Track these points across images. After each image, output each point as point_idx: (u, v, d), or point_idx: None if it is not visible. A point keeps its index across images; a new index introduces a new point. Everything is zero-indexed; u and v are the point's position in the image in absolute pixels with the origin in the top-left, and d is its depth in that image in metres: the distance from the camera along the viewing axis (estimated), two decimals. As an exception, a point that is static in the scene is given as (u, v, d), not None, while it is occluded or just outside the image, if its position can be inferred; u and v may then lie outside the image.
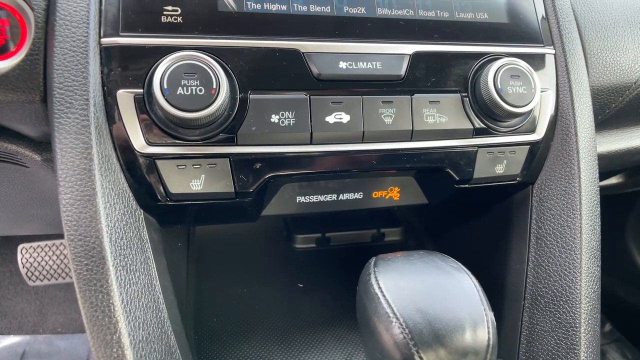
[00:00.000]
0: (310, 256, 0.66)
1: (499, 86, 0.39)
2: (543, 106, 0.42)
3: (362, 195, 0.46)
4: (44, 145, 0.42)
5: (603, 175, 0.65)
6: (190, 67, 0.32)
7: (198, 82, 0.32)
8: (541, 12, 0.44)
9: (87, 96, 0.32)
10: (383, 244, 0.64)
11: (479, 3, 0.42)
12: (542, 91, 0.42)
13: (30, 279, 0.86)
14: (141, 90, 0.33)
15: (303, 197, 0.44)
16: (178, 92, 0.32)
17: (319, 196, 0.45)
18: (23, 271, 0.85)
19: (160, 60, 0.33)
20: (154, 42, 0.34)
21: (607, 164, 0.58)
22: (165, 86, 0.32)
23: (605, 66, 0.47)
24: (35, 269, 0.85)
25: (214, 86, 0.32)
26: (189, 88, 0.32)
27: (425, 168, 0.42)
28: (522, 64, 0.40)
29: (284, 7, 0.37)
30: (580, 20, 0.46)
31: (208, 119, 0.33)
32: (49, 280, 0.86)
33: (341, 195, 0.46)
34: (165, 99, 0.32)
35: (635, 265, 0.90)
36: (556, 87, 0.43)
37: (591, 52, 0.46)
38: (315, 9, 0.38)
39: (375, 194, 0.47)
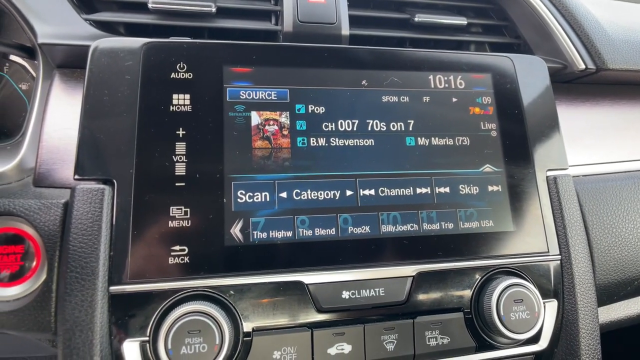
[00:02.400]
0: None
1: (502, 313, 0.39)
2: (547, 316, 0.42)
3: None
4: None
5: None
6: (194, 324, 0.33)
7: (202, 339, 0.33)
8: (548, 217, 0.44)
9: (94, 350, 0.33)
10: None
11: (484, 211, 0.42)
12: (546, 302, 0.42)
13: None
14: (147, 338, 0.34)
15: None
16: (182, 352, 0.33)
17: None
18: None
19: (167, 306, 0.34)
20: (161, 287, 0.35)
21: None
22: (170, 346, 0.33)
23: (614, 262, 0.46)
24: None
25: (217, 342, 0.33)
26: (192, 346, 0.33)
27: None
28: (526, 286, 0.40)
29: (289, 234, 0.38)
30: (588, 217, 0.46)
31: None
32: None
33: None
34: (170, 359, 0.33)
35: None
36: (562, 296, 0.43)
37: (598, 250, 0.46)
38: (320, 232, 0.39)
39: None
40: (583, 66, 0.51)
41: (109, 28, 0.45)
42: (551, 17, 0.53)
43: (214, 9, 0.46)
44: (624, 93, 0.57)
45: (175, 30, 0.47)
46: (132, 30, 0.47)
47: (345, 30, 0.48)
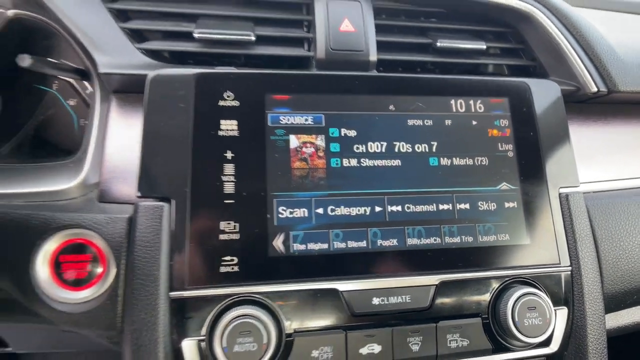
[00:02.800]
0: None
1: (516, 319, 0.43)
2: (558, 322, 0.46)
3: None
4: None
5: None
6: (245, 326, 0.38)
7: (252, 339, 0.38)
8: (560, 231, 0.48)
9: (158, 347, 0.38)
10: None
11: (501, 226, 0.46)
12: (557, 309, 0.46)
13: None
14: (203, 337, 0.39)
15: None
16: (234, 350, 0.37)
17: None
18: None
19: (220, 309, 0.39)
20: (214, 293, 0.40)
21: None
22: (224, 344, 0.37)
23: (621, 273, 0.50)
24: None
25: (264, 342, 0.38)
26: (244, 345, 0.38)
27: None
28: (538, 295, 0.44)
29: (325, 246, 0.43)
30: (598, 232, 0.50)
31: None
32: None
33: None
34: (225, 355, 0.37)
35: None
36: (572, 304, 0.47)
37: (606, 262, 0.50)
38: (352, 244, 0.43)
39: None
40: (595, 89, 0.55)
41: (157, 55, 0.50)
42: (565, 41, 0.56)
43: (253, 38, 0.50)
44: (635, 112, 0.60)
45: (217, 56, 0.51)
46: (177, 56, 0.51)
47: (373, 57, 0.52)
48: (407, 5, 0.57)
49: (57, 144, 0.61)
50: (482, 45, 0.56)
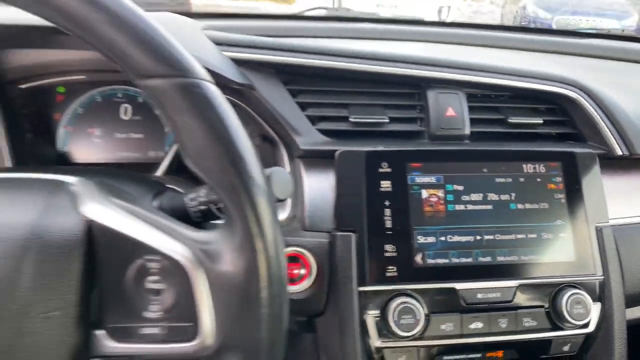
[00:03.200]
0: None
1: (568, 309, 0.67)
2: (594, 313, 0.70)
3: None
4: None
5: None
6: (405, 309, 0.63)
7: (410, 316, 0.63)
8: (596, 253, 0.72)
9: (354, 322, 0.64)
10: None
11: (557, 249, 0.71)
12: (594, 304, 0.70)
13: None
14: (379, 315, 0.64)
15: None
16: (400, 322, 0.63)
17: None
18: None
19: (388, 298, 0.64)
20: (384, 288, 0.65)
21: None
22: (395, 319, 0.63)
23: (638, 281, 0.74)
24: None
25: (417, 318, 0.63)
26: (406, 320, 0.63)
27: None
28: (582, 294, 0.68)
29: (446, 261, 0.68)
30: (622, 252, 0.74)
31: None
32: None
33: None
34: (395, 324, 0.63)
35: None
36: (604, 301, 0.71)
37: (628, 273, 0.73)
38: (463, 260, 0.68)
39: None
40: (620, 153, 0.79)
41: (325, 132, 0.75)
42: (597, 117, 0.80)
43: (387, 119, 0.76)
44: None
45: (364, 132, 0.77)
46: (337, 133, 0.76)
47: (467, 131, 0.77)
48: (485, 91, 0.82)
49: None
50: (540, 120, 0.81)
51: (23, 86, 0.83)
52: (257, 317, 0.40)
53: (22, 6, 0.38)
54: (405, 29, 1.22)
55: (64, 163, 0.86)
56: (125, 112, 0.87)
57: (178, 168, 0.81)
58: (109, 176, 0.53)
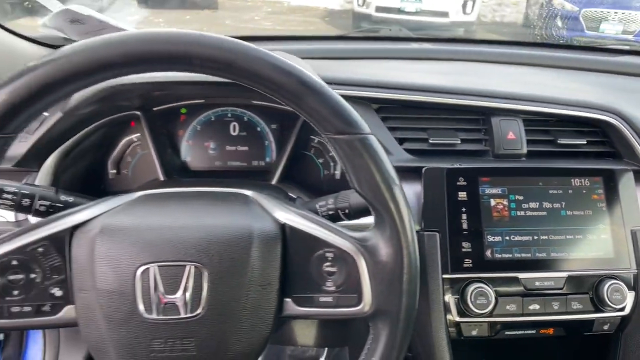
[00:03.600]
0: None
1: (608, 296, 0.84)
2: (629, 299, 0.87)
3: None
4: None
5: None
6: (480, 292, 0.81)
7: (484, 298, 0.81)
8: (631, 251, 0.89)
9: (441, 302, 0.82)
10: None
11: (599, 247, 0.88)
12: (629, 292, 0.87)
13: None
14: (457, 296, 0.83)
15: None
16: (477, 302, 0.81)
17: None
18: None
19: (464, 284, 0.83)
20: (462, 276, 0.83)
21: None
22: (472, 300, 0.81)
23: (665, 274, 0.91)
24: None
25: (490, 299, 0.81)
26: (481, 301, 0.81)
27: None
28: (620, 284, 0.85)
29: (510, 255, 0.85)
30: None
31: None
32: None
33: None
34: (472, 304, 0.81)
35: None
36: (637, 290, 0.88)
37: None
38: (524, 255, 0.86)
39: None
40: (651, 169, 0.95)
41: (409, 151, 0.94)
42: (632, 139, 0.96)
43: (459, 141, 0.94)
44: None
45: (440, 152, 0.95)
46: (418, 151, 0.95)
47: (525, 150, 0.94)
48: (539, 117, 1.00)
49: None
50: (584, 141, 0.98)
51: (156, 109, 1.04)
52: (400, 291, 0.59)
53: (249, 84, 0.56)
54: (456, 49, 1.39)
55: (187, 171, 1.07)
56: (234, 129, 1.07)
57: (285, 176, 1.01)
58: (263, 189, 0.72)
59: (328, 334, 1.65)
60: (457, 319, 0.83)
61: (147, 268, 0.54)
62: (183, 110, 1.07)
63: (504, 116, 0.95)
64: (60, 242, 0.56)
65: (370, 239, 0.60)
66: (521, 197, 0.88)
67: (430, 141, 0.93)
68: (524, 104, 0.95)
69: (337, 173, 1.06)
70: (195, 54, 0.50)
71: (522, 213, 0.88)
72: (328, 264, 0.60)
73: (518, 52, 1.39)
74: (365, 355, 0.60)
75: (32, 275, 0.55)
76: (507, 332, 0.87)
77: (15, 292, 0.54)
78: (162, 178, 0.97)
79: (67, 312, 0.56)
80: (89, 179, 1.02)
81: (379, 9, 7.07)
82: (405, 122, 0.95)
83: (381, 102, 0.93)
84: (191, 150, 1.07)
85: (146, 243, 0.55)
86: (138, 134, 1.05)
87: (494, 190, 0.88)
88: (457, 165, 0.89)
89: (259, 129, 1.06)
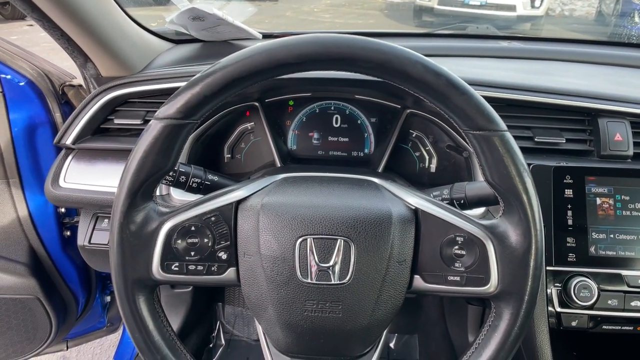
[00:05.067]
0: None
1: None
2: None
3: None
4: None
5: None
6: (583, 285, 0.85)
7: (587, 291, 0.85)
8: None
9: (547, 289, 0.87)
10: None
11: None
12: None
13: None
14: (560, 287, 0.87)
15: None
16: (580, 295, 0.85)
17: None
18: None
19: (567, 277, 0.87)
20: (566, 269, 0.87)
21: None
22: (575, 292, 0.85)
23: None
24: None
25: (593, 292, 0.85)
26: (584, 292, 0.85)
27: None
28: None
29: (614, 253, 0.88)
30: None
31: None
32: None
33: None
34: (575, 296, 0.85)
35: None
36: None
37: None
38: (621, 253, 0.89)
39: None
40: None
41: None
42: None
43: (564, 140, 0.97)
44: None
45: (545, 150, 0.98)
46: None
47: (631, 152, 0.96)
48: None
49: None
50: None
51: (267, 100, 1.14)
52: (526, 274, 0.65)
53: (399, 84, 0.64)
54: (549, 49, 1.40)
55: (293, 158, 1.16)
56: (336, 121, 1.15)
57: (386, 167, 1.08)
58: (382, 177, 0.80)
59: (401, 322, 1.72)
60: (559, 309, 0.88)
61: (305, 239, 0.63)
62: (290, 102, 1.16)
63: (611, 118, 0.97)
64: (228, 213, 0.65)
65: (499, 226, 0.66)
66: (627, 197, 0.91)
67: (536, 139, 0.96)
68: (633, 107, 0.97)
69: (433, 167, 1.12)
70: (360, 56, 0.57)
71: (628, 213, 0.90)
72: (457, 247, 0.67)
73: (613, 53, 1.38)
74: (487, 331, 0.67)
75: (205, 240, 0.65)
76: (605, 327, 0.90)
77: (193, 253, 0.65)
78: (278, 164, 1.07)
79: (229, 273, 0.66)
80: (207, 162, 1.14)
81: (441, 1, 6.94)
82: (510, 120, 0.99)
83: (489, 101, 0.98)
84: (297, 139, 1.17)
85: (304, 218, 0.64)
86: (252, 123, 1.15)
87: (600, 190, 0.91)
88: (563, 164, 0.92)
89: (359, 121, 1.13)
